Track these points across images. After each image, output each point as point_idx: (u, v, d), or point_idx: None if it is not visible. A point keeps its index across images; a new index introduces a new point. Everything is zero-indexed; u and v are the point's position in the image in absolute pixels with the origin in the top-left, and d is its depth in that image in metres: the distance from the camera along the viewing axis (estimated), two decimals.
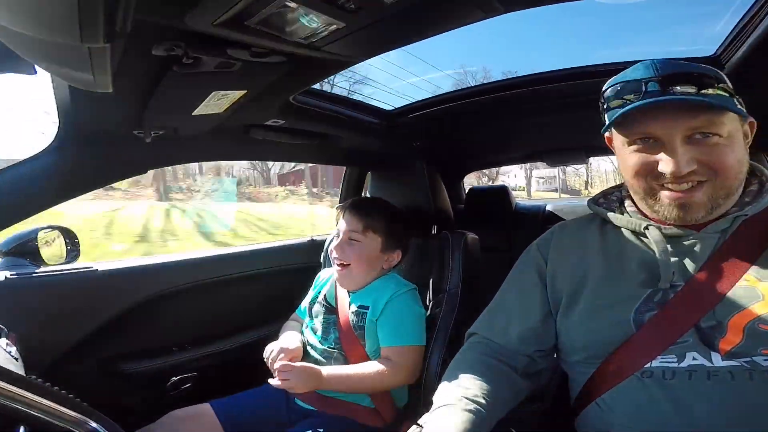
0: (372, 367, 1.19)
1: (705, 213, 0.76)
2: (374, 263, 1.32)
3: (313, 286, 1.48)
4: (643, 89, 0.75)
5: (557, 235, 0.97)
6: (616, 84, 0.80)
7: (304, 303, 1.46)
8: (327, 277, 1.45)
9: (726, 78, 0.76)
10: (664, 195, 0.77)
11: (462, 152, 2.26)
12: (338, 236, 1.33)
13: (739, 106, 0.75)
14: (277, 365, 1.12)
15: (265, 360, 1.22)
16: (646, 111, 0.74)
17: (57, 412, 0.57)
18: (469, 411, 0.75)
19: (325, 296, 1.38)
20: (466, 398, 0.77)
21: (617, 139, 0.83)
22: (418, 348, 1.24)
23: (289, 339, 1.29)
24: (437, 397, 0.80)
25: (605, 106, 0.83)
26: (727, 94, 0.75)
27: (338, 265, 1.30)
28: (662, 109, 0.74)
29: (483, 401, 0.77)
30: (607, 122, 0.82)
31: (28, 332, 1.03)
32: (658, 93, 0.73)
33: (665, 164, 0.74)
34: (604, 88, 0.84)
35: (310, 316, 1.38)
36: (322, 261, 1.68)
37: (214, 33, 0.70)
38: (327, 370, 1.16)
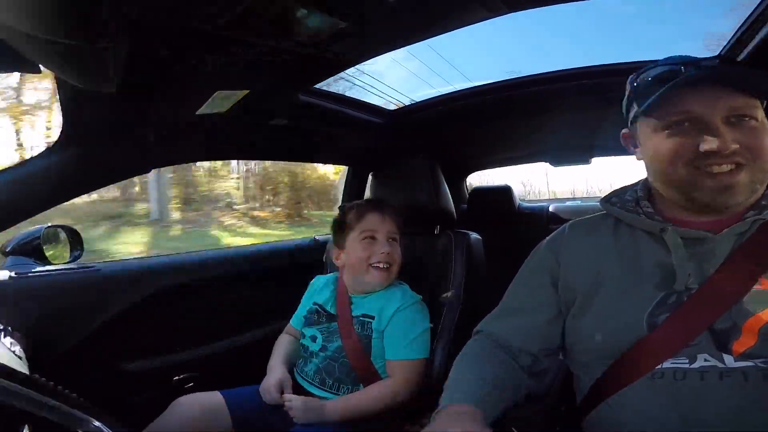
0: (375, 391, 1.18)
1: (746, 196, 0.74)
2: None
3: (307, 294, 1.45)
4: (683, 70, 0.74)
5: (569, 234, 0.94)
6: (648, 72, 0.79)
7: (299, 312, 1.43)
8: (321, 284, 1.42)
9: None
10: (706, 179, 0.73)
11: (465, 152, 2.26)
12: (373, 238, 1.29)
13: None
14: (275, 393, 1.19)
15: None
16: (686, 91, 0.73)
17: (61, 410, 0.57)
18: (473, 407, 0.75)
19: (322, 305, 1.34)
20: (471, 394, 0.77)
21: (646, 128, 0.80)
22: (423, 361, 1.23)
23: (272, 382, 1.24)
24: (442, 395, 0.80)
25: (635, 94, 0.81)
26: None
27: (382, 268, 1.27)
28: (701, 90, 0.72)
29: (487, 398, 0.77)
30: (633, 113, 0.82)
31: (32, 331, 1.04)
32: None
33: (710, 142, 0.71)
34: (631, 79, 0.83)
35: (308, 324, 1.34)
36: (324, 260, 1.68)
37: (217, 32, 0.70)
38: (330, 404, 1.16)
